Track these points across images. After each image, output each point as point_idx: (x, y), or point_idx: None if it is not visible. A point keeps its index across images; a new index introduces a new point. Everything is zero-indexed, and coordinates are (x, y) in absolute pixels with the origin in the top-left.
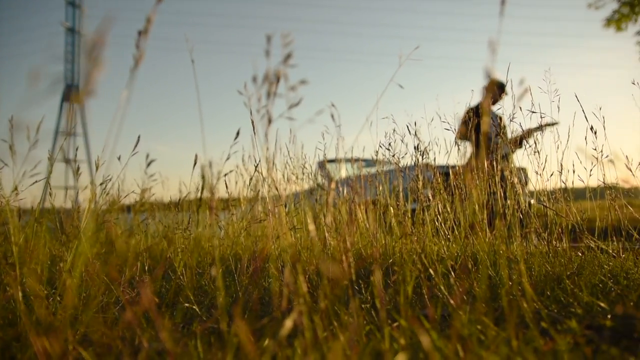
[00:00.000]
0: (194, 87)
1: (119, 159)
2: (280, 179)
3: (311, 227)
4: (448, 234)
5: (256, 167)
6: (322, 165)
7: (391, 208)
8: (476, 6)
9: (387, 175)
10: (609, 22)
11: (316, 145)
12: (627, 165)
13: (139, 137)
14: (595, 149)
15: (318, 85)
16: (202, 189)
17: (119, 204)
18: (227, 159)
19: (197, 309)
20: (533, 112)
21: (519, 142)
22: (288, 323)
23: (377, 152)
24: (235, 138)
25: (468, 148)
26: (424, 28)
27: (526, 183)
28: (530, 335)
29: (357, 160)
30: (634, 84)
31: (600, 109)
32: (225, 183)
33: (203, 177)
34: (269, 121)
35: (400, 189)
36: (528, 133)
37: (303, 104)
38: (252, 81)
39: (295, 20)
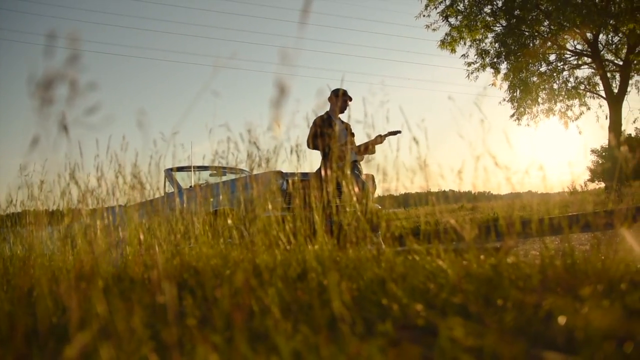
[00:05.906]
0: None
1: None
2: (111, 188)
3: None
4: (286, 243)
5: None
6: (170, 173)
7: (230, 218)
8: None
9: (228, 185)
10: (443, 43)
11: (151, 154)
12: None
13: None
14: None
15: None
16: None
17: None
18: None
19: None
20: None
21: (365, 149)
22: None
23: (213, 160)
24: (31, 145)
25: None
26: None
27: (374, 190)
28: (344, 340)
29: (203, 168)
30: (450, 99)
31: (423, 120)
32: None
33: None
34: (65, 128)
35: (242, 199)
36: (375, 141)
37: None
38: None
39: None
